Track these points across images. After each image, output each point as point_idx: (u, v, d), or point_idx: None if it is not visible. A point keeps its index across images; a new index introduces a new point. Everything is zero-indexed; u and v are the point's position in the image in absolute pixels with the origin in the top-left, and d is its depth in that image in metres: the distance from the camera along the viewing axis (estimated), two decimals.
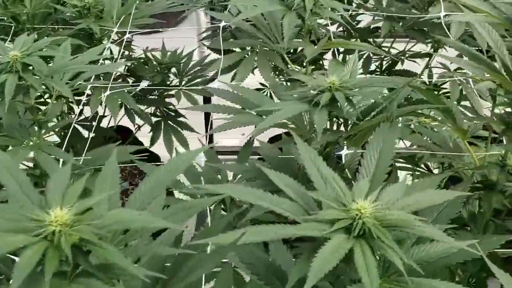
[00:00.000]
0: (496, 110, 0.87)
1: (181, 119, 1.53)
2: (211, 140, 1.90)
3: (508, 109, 0.80)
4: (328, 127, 0.82)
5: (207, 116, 1.72)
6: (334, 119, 0.84)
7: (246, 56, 1.19)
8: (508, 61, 0.73)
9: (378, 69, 1.53)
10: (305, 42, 0.93)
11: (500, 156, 0.80)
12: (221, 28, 1.25)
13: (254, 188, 0.53)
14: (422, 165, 1.20)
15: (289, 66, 1.09)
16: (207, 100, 1.69)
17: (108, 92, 1.18)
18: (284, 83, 1.15)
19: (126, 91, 1.35)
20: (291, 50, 1.20)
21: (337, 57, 1.42)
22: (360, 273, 0.47)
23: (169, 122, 1.53)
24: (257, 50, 1.16)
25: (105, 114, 1.47)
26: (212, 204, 0.82)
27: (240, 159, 0.97)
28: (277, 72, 1.25)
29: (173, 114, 1.55)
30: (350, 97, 0.75)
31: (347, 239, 0.50)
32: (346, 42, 0.92)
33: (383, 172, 0.64)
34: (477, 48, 0.91)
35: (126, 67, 1.55)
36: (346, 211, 0.52)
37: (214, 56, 1.33)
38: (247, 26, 1.05)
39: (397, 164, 1.25)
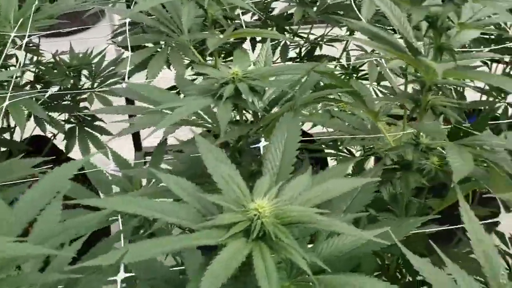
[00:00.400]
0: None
1: (98, 123, 1.45)
2: (137, 142, 1.82)
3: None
4: (240, 120, 0.78)
5: (131, 118, 1.64)
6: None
7: (159, 50, 1.13)
8: (412, 38, 0.72)
9: (298, 56, 1.51)
10: (210, 33, 0.88)
11: (413, 134, 0.78)
12: (127, 24, 1.18)
13: (143, 197, 0.48)
14: (345, 150, 1.19)
15: (208, 59, 1.04)
16: (130, 101, 1.61)
17: (7, 102, 1.09)
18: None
19: (34, 98, 1.26)
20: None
21: (256, 47, 1.39)
22: (259, 279, 0.43)
23: (85, 127, 1.45)
24: (173, 44, 1.10)
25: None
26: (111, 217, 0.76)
27: (153, 162, 0.91)
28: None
29: (89, 118, 1.46)
30: (256, 88, 0.71)
31: (245, 243, 0.46)
32: (253, 31, 0.88)
33: (289, 164, 0.60)
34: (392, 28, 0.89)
35: (35, 73, 1.45)
36: (244, 212, 0.47)
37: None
38: (146, 19, 0.98)
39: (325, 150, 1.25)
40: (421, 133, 0.78)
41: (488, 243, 0.55)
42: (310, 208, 0.49)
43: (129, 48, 1.12)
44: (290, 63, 1.40)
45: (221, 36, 0.91)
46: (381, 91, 1.40)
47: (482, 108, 1.56)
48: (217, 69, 0.75)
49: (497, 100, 1.53)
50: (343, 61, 1.45)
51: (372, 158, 1.08)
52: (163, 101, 0.76)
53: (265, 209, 0.47)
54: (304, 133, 1.63)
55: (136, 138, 1.80)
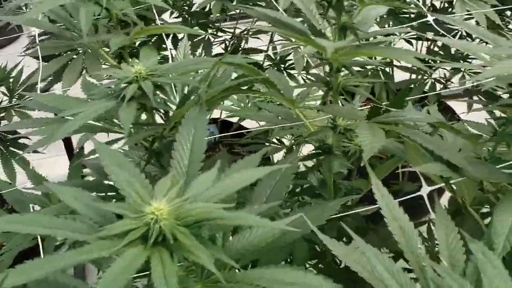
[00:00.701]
0: None
1: (22, 140, 1.38)
2: (71, 154, 1.75)
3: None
4: (152, 120, 0.75)
5: None
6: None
7: (75, 57, 1.08)
8: (317, 20, 0.71)
9: (224, 52, 1.49)
10: (116, 33, 0.84)
11: (331, 118, 0.78)
12: (37, 34, 1.13)
13: (29, 214, 0.44)
14: (275, 140, 1.18)
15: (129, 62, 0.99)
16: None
17: None
18: None
19: None
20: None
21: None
22: (156, 285, 0.40)
23: (9, 147, 1.37)
24: (89, 50, 1.05)
25: None
26: None
27: (71, 175, 0.86)
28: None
29: (12, 137, 1.39)
30: (164, 85, 0.68)
31: (143, 250, 0.43)
32: (161, 27, 0.85)
33: (199, 160, 0.58)
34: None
35: None
36: (140, 217, 0.44)
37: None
38: (47, 26, 0.94)
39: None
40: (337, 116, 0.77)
41: (404, 218, 0.55)
42: (213, 204, 0.46)
43: (40, 58, 1.06)
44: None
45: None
46: (309, 79, 1.40)
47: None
48: (118, 69, 0.71)
49: (424, 77, 1.56)
50: (272, 53, 1.44)
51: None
52: (67, 109, 0.72)
53: (163, 211, 0.44)
54: (240, 127, 1.61)
55: (69, 150, 1.73)
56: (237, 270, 0.51)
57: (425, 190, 0.72)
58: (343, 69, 0.74)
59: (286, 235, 0.60)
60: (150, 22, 1.19)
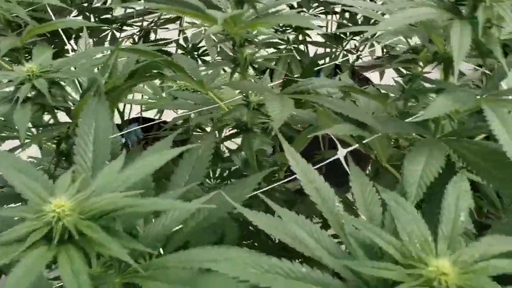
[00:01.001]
0: None
1: None
2: None
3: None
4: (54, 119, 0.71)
5: None
6: None
7: None
8: None
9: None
10: (6, 35, 0.79)
11: (244, 95, 0.77)
12: None
13: None
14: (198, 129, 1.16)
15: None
16: None
17: None
18: None
19: None
20: None
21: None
22: (65, 283, 0.38)
23: None
24: None
25: None
26: None
27: None
28: None
29: None
30: (61, 81, 0.65)
31: (46, 250, 0.40)
32: (54, 23, 0.80)
33: (105, 153, 0.55)
34: None
35: None
36: (41, 216, 0.42)
37: None
38: None
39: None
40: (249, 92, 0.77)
41: (319, 180, 0.55)
42: (119, 194, 0.44)
43: None
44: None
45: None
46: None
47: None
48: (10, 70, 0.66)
49: (337, 49, 1.59)
50: (184, 42, 1.42)
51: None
52: None
53: (64, 208, 0.42)
54: (163, 123, 1.57)
55: None
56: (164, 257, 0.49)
57: (341, 152, 0.73)
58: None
59: (210, 216, 0.59)
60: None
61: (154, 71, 0.79)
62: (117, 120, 1.41)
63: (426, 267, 0.41)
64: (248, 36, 0.69)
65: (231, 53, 1.42)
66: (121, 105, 1.45)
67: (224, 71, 1.17)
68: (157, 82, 1.26)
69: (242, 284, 0.40)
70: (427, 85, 0.72)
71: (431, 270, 0.40)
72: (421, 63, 0.79)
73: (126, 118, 1.48)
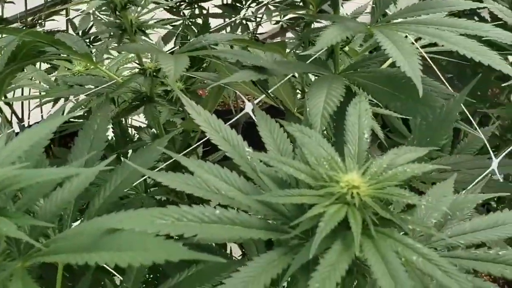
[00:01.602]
0: None
1: None
2: None
3: None
4: None
5: None
6: None
7: None
8: None
9: None
10: None
11: (138, 64, 0.73)
12: None
13: None
14: None
15: None
16: None
17: None
18: None
19: None
20: None
21: None
22: None
23: None
24: None
25: None
26: None
27: None
28: None
29: None
30: None
31: None
32: None
33: None
34: None
35: None
36: None
37: None
38: None
39: None
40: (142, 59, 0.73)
41: (225, 128, 0.53)
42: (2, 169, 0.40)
43: None
44: None
45: None
46: None
47: None
48: None
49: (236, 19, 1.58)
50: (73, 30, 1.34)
51: None
52: None
53: None
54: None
55: None
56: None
57: (248, 106, 0.72)
58: None
59: (121, 186, 0.56)
60: None
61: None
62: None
63: (337, 185, 0.40)
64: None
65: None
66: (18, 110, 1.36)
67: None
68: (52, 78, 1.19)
69: (151, 238, 0.37)
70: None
71: (342, 185, 0.40)
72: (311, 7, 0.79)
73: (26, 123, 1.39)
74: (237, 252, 0.86)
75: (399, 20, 0.61)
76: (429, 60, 0.74)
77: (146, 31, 0.71)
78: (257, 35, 1.65)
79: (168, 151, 0.47)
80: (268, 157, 0.44)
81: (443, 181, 0.51)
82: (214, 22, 1.60)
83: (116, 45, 0.69)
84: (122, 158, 0.56)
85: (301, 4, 0.78)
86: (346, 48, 0.87)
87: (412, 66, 0.51)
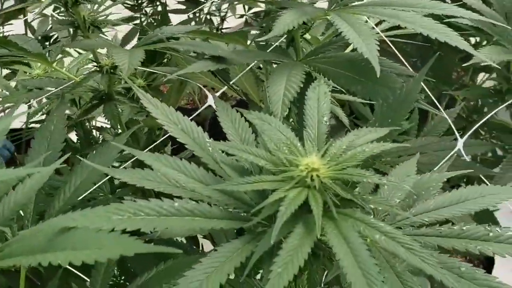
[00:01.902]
0: None
1: None
2: None
3: None
4: None
5: None
6: None
7: None
8: None
9: None
10: None
11: (94, 61, 0.71)
12: None
13: None
14: None
15: None
16: None
17: None
18: None
19: None
20: None
21: None
22: None
23: None
24: None
25: None
26: None
27: None
28: None
29: None
30: None
31: None
32: None
33: None
34: None
35: None
36: None
37: None
38: None
39: None
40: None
41: (183, 120, 0.52)
42: None
43: None
44: None
45: None
46: None
47: None
48: None
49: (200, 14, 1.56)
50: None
51: None
52: None
53: None
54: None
55: None
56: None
57: (211, 100, 0.71)
58: None
59: (81, 186, 0.54)
60: None
61: None
62: None
63: (297, 168, 0.40)
64: None
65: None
66: None
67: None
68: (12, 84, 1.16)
69: (106, 235, 0.36)
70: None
71: (302, 169, 0.39)
72: None
73: None
74: (210, 247, 0.85)
75: (356, 3, 0.61)
76: (389, 42, 0.74)
77: (103, 28, 0.69)
78: (222, 30, 1.64)
79: (126, 146, 0.46)
80: (227, 146, 0.43)
81: (406, 162, 0.51)
82: (178, 18, 1.59)
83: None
84: (80, 158, 0.54)
85: None
86: (309, 37, 0.86)
87: (370, 48, 0.51)
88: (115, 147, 0.59)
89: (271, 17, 0.74)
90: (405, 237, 0.36)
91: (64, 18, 0.72)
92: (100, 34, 0.70)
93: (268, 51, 0.68)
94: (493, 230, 0.43)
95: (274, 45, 0.69)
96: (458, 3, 0.81)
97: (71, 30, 0.69)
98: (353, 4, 0.61)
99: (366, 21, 0.72)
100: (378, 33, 0.69)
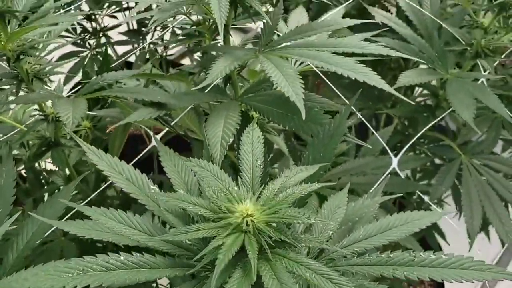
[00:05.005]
0: None
1: None
2: None
3: None
4: None
5: None
6: None
7: None
8: None
9: None
10: None
11: (39, 110, 0.73)
12: None
13: None
14: None
15: None
16: None
17: None
18: None
19: None
20: None
21: None
22: None
23: None
24: None
25: None
26: None
27: None
28: None
29: None
30: None
31: None
32: None
33: None
34: None
35: None
36: None
37: None
38: None
39: None
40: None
41: (128, 169, 0.54)
42: None
43: None
44: None
45: None
46: None
47: None
48: None
49: (143, 44, 1.58)
50: None
51: None
52: None
53: None
54: None
55: None
56: None
57: (156, 139, 0.74)
58: None
59: (33, 238, 0.56)
60: None
61: None
62: None
63: (233, 215, 0.43)
64: (23, 48, 0.65)
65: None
66: None
67: None
68: None
69: None
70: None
71: (237, 215, 0.43)
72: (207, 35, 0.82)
73: None
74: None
75: (283, 44, 0.65)
76: (321, 75, 0.79)
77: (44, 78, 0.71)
78: (167, 57, 1.66)
79: (71, 203, 0.48)
80: (167, 197, 0.46)
81: (337, 194, 0.55)
82: (123, 49, 1.60)
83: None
84: (29, 213, 0.55)
85: (197, 33, 0.81)
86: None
87: (295, 90, 0.55)
88: (64, 196, 0.60)
89: (209, 57, 0.78)
90: (332, 272, 0.40)
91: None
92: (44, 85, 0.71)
93: (206, 90, 0.71)
94: (417, 255, 0.48)
95: (213, 84, 0.73)
96: (385, 29, 0.88)
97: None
98: (281, 46, 0.65)
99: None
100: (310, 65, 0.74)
